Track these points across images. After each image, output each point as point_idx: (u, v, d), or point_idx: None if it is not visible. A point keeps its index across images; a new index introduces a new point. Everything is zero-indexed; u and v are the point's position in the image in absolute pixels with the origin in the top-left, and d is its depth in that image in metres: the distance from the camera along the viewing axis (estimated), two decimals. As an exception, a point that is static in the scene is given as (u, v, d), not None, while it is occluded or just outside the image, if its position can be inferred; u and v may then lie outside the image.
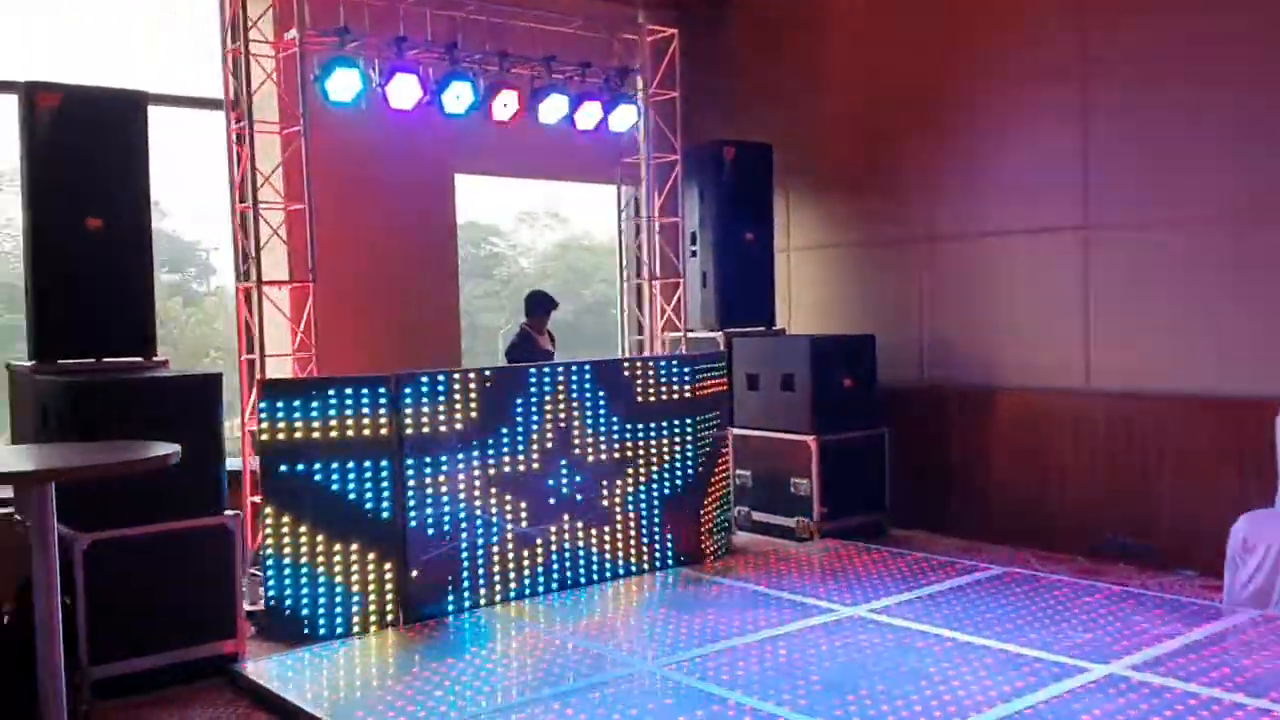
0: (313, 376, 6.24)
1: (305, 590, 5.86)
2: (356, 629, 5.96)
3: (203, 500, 5.39)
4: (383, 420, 6.03)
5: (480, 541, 6.36)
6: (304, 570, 5.85)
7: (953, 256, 8.42)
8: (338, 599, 5.93)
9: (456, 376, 6.30)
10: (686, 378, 7.24)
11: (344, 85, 6.93)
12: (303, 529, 5.84)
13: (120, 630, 5.11)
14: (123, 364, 5.82)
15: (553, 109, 7.70)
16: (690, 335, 8.97)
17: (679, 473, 7.22)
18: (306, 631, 5.86)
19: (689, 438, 7.25)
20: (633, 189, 8.75)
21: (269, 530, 5.78)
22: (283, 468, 5.80)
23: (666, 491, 7.17)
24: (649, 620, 6.16)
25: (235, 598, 5.46)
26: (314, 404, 5.85)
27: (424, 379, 6.19)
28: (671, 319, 9.00)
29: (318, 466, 5.87)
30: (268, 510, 5.79)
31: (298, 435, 5.82)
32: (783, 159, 9.16)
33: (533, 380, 6.59)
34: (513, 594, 6.48)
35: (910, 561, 7.24)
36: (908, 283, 8.73)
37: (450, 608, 6.25)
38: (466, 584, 6.32)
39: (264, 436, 5.79)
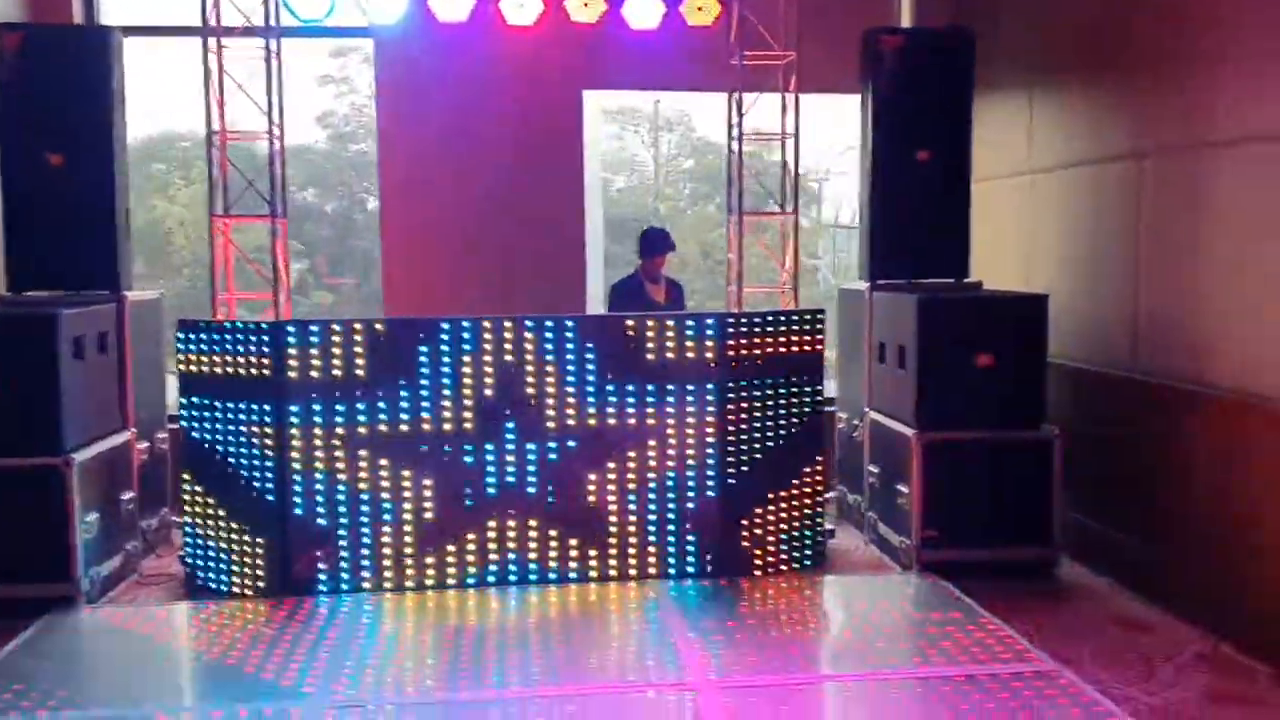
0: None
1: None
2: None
3: (38, 440, 5.35)
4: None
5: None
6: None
7: (1184, 178, 5.46)
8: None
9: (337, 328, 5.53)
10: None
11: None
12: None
13: None
14: (79, 297, 5.97)
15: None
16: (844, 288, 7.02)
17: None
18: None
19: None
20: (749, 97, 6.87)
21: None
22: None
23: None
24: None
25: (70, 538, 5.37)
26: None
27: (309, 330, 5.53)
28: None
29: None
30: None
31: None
32: (1007, 49, 6.66)
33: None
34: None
35: (958, 627, 4.95)
36: (1122, 219, 5.89)
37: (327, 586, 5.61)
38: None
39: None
